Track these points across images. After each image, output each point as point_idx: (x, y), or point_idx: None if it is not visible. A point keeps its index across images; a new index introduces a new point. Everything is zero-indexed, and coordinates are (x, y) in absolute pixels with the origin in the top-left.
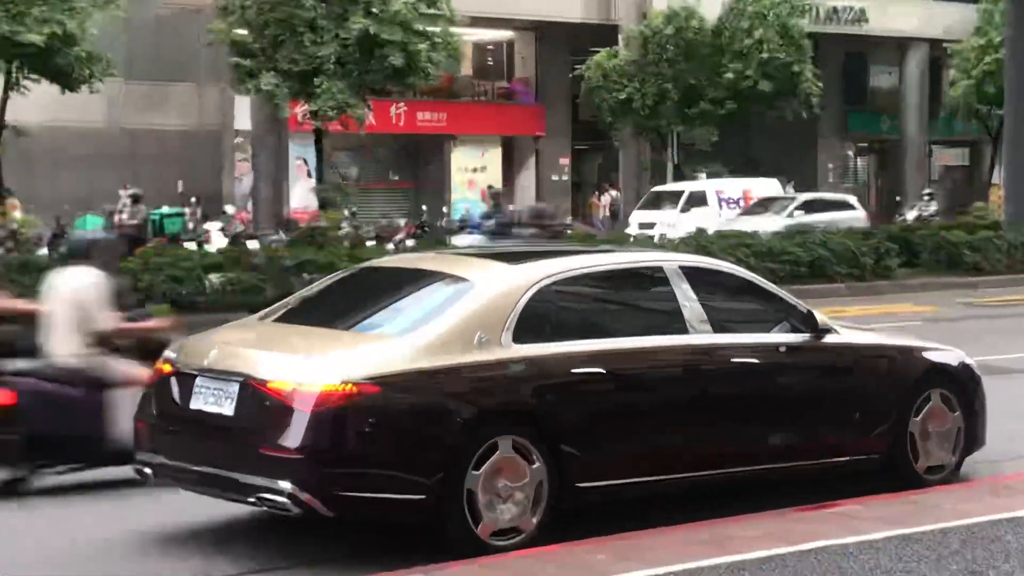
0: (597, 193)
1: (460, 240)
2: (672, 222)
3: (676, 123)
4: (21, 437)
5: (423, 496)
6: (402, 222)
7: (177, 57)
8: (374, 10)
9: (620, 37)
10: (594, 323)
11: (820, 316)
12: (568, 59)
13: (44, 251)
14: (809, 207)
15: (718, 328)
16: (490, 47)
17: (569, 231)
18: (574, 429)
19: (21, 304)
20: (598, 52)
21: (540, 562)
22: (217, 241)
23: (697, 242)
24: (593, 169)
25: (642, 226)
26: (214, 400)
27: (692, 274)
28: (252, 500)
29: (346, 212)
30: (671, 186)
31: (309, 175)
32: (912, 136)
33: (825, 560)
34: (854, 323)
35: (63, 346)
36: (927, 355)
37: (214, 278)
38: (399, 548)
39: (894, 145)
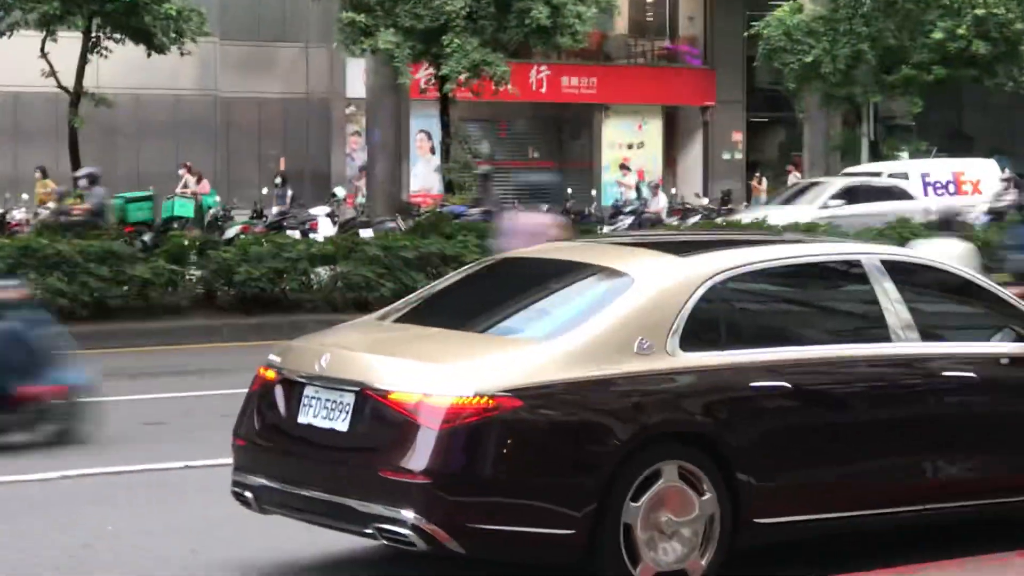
0: (758, 175)
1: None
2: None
3: (873, 92)
4: None
5: (572, 531)
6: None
7: (280, 14)
8: None
9: None
10: (778, 328)
11: None
12: (743, 14)
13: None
14: (852, 195)
15: (927, 335)
16: (649, 0)
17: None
18: (753, 454)
19: None
20: (779, 6)
21: None
22: (325, 229)
23: (899, 234)
24: (773, 146)
25: None
26: (326, 413)
27: (897, 270)
28: (369, 531)
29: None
30: (866, 167)
31: (432, 151)
32: None
33: None
34: None
35: None
36: None
37: (322, 272)
38: None
39: None
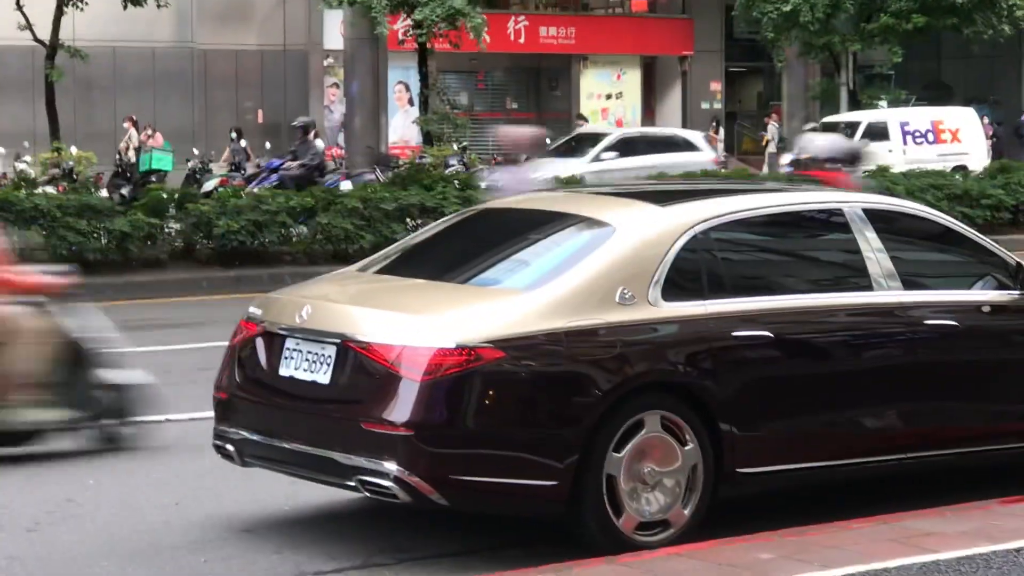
0: (714, 124)
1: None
2: None
3: (852, 41)
4: None
5: (554, 482)
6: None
7: None
8: None
9: None
10: (760, 277)
11: None
12: None
13: (103, 193)
14: (629, 147)
15: (909, 284)
16: None
17: None
18: (735, 404)
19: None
20: None
21: (692, 561)
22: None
23: (879, 183)
24: (752, 96)
25: None
26: (307, 366)
27: (878, 218)
28: (352, 484)
29: (455, 147)
30: (845, 116)
31: (410, 103)
32: None
33: None
34: None
35: None
36: None
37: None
38: (526, 543)
39: None
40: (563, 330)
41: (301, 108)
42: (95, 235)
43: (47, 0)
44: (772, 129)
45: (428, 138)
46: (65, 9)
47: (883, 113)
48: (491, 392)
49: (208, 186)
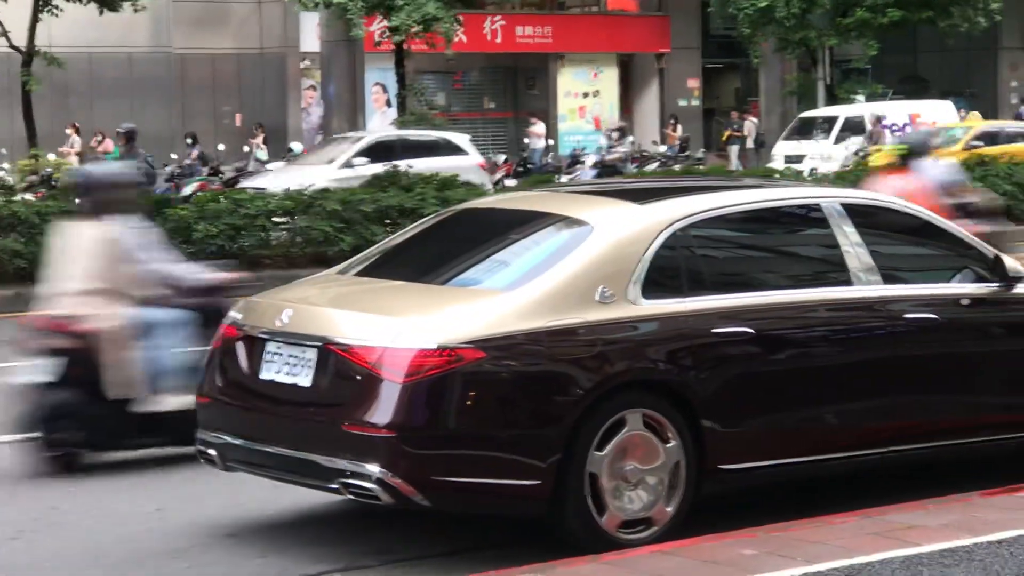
0: (672, 121)
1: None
2: (825, 154)
3: (828, 35)
4: None
5: (537, 482)
6: (500, 159)
7: None
8: None
9: None
10: (739, 274)
11: (1010, 262)
12: None
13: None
14: (386, 152)
15: (888, 278)
16: None
17: None
18: (716, 401)
19: None
20: None
21: (676, 558)
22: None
23: (857, 177)
24: (729, 92)
25: (788, 159)
26: (288, 369)
27: (857, 213)
28: (335, 486)
29: None
30: (822, 111)
31: (388, 104)
32: None
33: (1020, 553)
34: None
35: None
36: None
37: (281, 226)
38: (509, 543)
39: None
40: (544, 329)
41: (279, 111)
42: None
43: (23, 7)
44: (749, 125)
45: None
46: (41, 16)
47: (860, 107)
48: (473, 393)
49: (187, 190)
